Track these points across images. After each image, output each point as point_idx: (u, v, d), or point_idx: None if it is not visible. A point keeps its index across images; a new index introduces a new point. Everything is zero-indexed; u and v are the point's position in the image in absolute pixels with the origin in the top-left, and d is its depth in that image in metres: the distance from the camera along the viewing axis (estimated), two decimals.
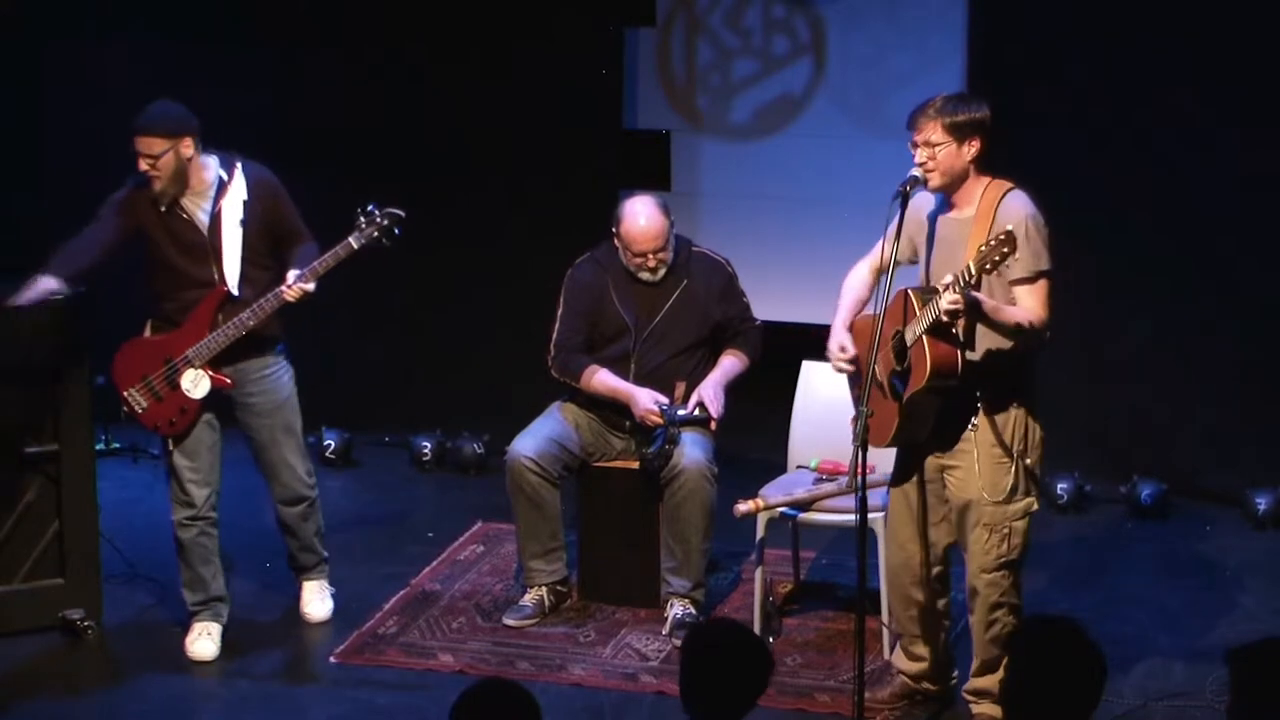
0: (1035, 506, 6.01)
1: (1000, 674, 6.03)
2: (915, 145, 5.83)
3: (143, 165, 6.54)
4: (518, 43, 8.46)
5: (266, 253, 6.68)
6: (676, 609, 6.92)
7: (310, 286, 6.53)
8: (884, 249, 5.95)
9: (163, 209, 6.59)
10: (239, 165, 6.66)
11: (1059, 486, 8.01)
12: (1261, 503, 7.83)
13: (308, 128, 8.62)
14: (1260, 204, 7.78)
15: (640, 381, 6.97)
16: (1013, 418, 5.92)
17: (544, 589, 7.07)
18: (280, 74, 8.66)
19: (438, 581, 7.38)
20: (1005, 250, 5.51)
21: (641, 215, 6.95)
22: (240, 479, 8.27)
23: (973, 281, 5.59)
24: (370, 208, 6.59)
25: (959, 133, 5.79)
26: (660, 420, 6.87)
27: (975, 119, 5.81)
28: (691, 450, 6.86)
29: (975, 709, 6.19)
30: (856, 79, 8.33)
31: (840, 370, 6.15)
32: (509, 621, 7.01)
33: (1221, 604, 7.17)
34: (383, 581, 7.36)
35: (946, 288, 5.59)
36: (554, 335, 7.09)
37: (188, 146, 6.55)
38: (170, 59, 8.78)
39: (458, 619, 7.07)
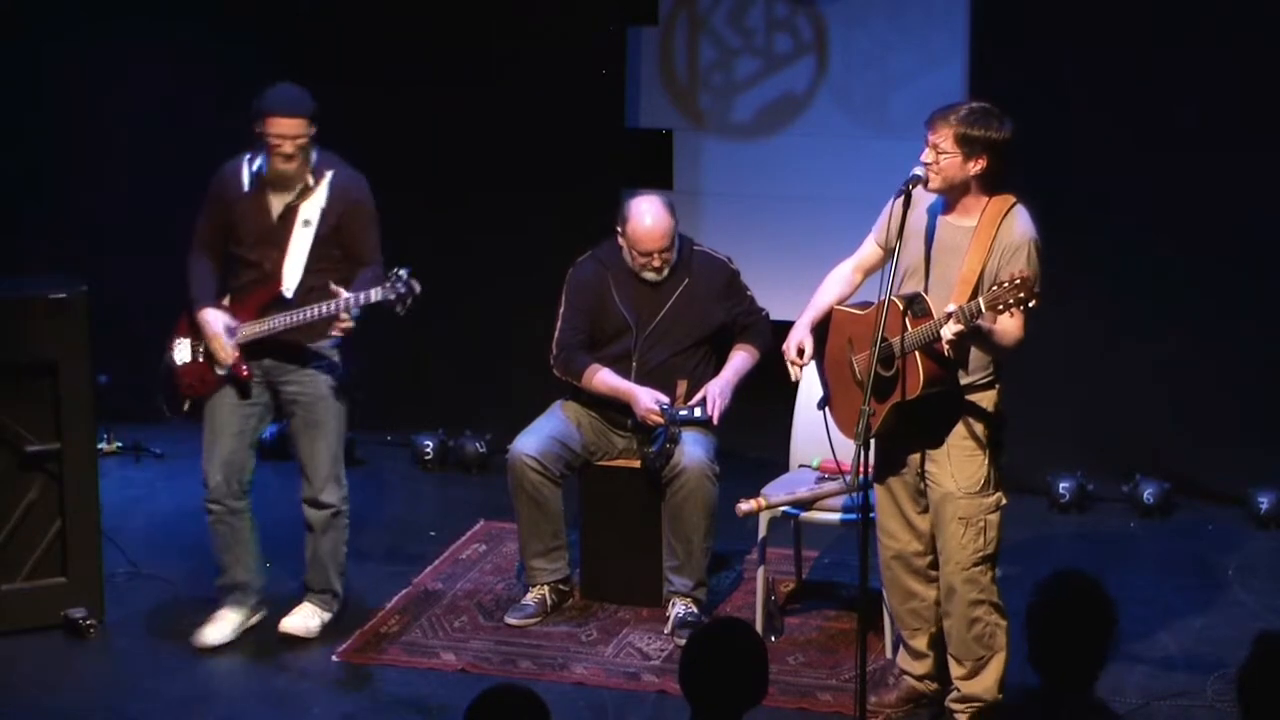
0: (1004, 501, 6.02)
1: (989, 679, 6.07)
2: (926, 141, 5.83)
3: (286, 148, 6.55)
4: (519, 42, 8.46)
5: (331, 262, 6.65)
6: (678, 608, 6.92)
7: (349, 324, 6.50)
8: (886, 243, 5.97)
9: (246, 189, 6.66)
10: (329, 172, 6.67)
11: (1061, 486, 8.02)
12: (1263, 502, 7.84)
13: None
14: (1260, 205, 7.78)
15: (641, 380, 6.98)
16: (985, 411, 5.94)
17: (546, 588, 7.07)
18: (280, 73, 8.64)
19: (440, 580, 7.38)
20: (1021, 296, 5.51)
21: (648, 215, 6.95)
22: None
23: (979, 318, 5.60)
24: (402, 271, 6.50)
25: (967, 147, 5.77)
26: (661, 420, 6.87)
27: (989, 139, 5.77)
28: (693, 449, 6.86)
29: None
30: (858, 78, 8.33)
31: (793, 373, 6.15)
32: (511, 620, 7.01)
33: (1223, 603, 7.17)
34: (385, 580, 7.36)
35: (950, 317, 5.61)
36: (556, 334, 7.09)
37: (313, 129, 6.62)
38: (171, 59, 8.79)
39: (460, 618, 7.07)
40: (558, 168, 8.46)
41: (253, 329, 6.65)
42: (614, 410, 7.04)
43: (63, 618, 6.91)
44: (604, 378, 7.00)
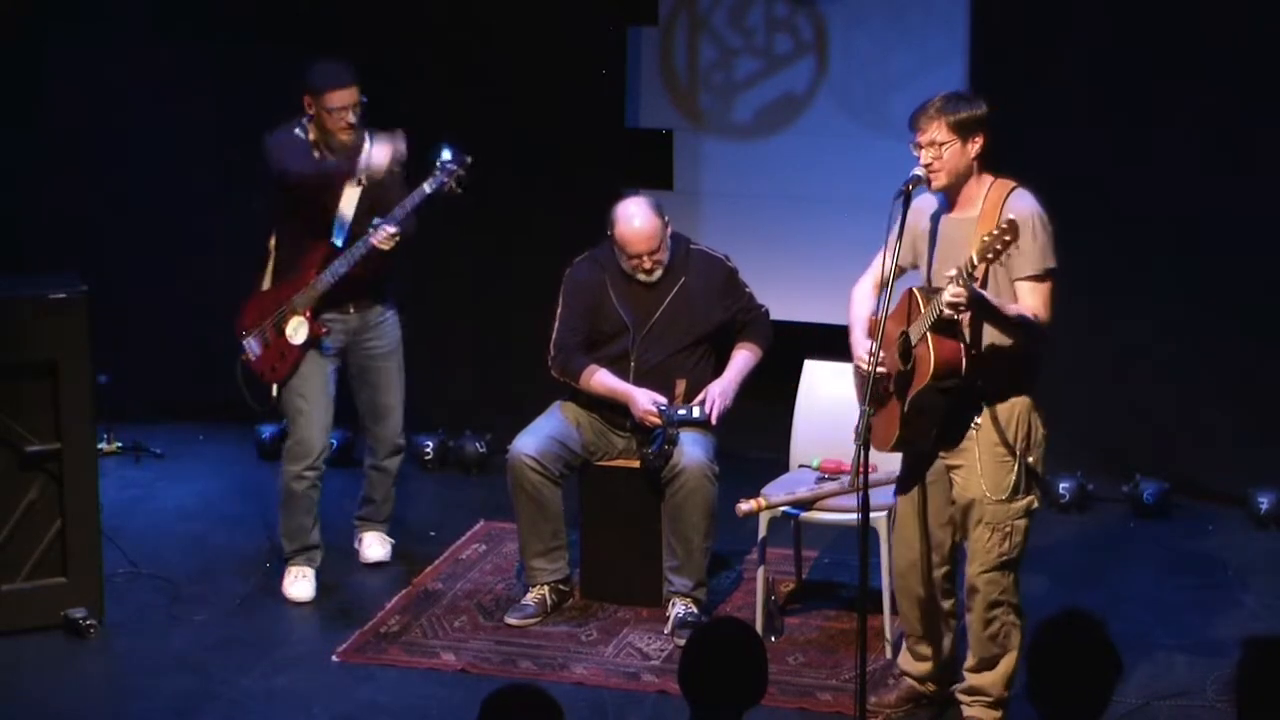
0: (1036, 505, 6.02)
1: (997, 674, 6.08)
2: (918, 146, 5.82)
3: (350, 117, 6.87)
4: (520, 41, 8.46)
5: (369, 210, 6.95)
6: (678, 608, 6.92)
7: (393, 228, 6.84)
8: (885, 253, 5.96)
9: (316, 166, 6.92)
10: (365, 132, 6.95)
11: (1061, 486, 8.01)
12: (1263, 502, 7.84)
13: None
14: (1261, 203, 7.78)
15: (640, 380, 6.97)
16: (1015, 415, 5.92)
17: (546, 588, 7.07)
18: (280, 73, 8.65)
19: (440, 580, 7.38)
20: (1008, 239, 5.50)
21: (635, 217, 6.94)
22: (240, 478, 8.30)
23: (975, 272, 5.58)
24: (444, 153, 6.89)
25: (963, 131, 5.79)
26: (659, 421, 6.87)
27: (977, 116, 5.82)
28: (693, 449, 6.86)
29: (968, 711, 6.18)
30: (859, 78, 8.32)
31: (866, 371, 6.11)
32: (511, 620, 7.01)
33: (1223, 603, 7.17)
34: (385, 580, 7.36)
35: (950, 280, 5.58)
36: (553, 335, 7.09)
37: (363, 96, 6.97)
38: (171, 59, 8.79)
39: (460, 618, 7.07)
40: (558, 167, 8.46)
41: (319, 286, 6.92)
42: (613, 410, 7.04)
43: (63, 618, 6.91)
44: (602, 379, 7.00)
